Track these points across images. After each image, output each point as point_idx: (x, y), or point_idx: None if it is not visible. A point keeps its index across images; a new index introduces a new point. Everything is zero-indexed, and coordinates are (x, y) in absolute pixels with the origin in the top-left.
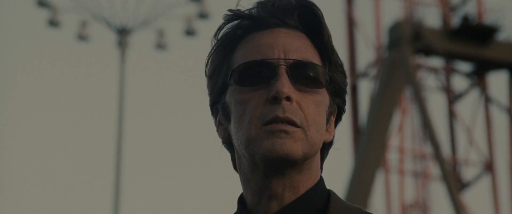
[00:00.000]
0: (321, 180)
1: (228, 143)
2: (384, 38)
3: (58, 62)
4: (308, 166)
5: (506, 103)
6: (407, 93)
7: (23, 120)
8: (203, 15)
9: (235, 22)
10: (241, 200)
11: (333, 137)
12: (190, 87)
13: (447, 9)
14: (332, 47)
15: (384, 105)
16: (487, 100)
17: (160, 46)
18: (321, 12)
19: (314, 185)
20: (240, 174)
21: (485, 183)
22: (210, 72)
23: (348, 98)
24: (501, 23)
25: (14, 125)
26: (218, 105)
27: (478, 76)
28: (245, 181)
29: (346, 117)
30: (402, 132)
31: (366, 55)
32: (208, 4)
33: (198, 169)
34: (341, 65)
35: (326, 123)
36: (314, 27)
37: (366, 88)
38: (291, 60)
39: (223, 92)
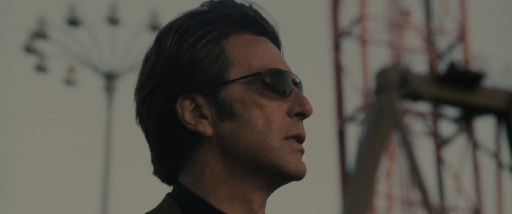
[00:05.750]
0: None
1: (200, 137)
2: (372, 84)
3: (45, 107)
4: None
5: (493, 149)
6: (394, 138)
7: (11, 163)
8: None
9: (228, 10)
10: (194, 197)
11: None
12: None
13: (434, 56)
14: None
15: (371, 150)
16: (475, 145)
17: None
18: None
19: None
20: (205, 174)
21: None
22: (202, 56)
23: (335, 143)
24: (487, 70)
25: (2, 167)
26: (200, 96)
27: (465, 121)
28: (215, 184)
29: (334, 162)
30: (390, 177)
31: (353, 100)
32: None
33: None
34: None
35: None
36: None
37: (353, 133)
38: (298, 80)
39: (219, 86)
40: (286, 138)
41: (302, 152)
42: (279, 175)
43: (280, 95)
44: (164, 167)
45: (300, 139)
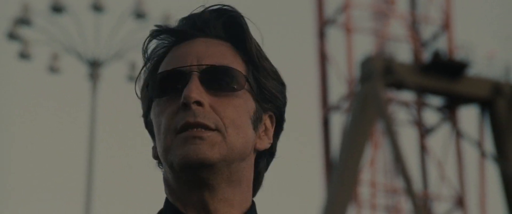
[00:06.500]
0: (253, 204)
1: (159, 160)
2: (356, 72)
3: (29, 94)
4: (237, 177)
5: (477, 138)
6: (378, 127)
7: None
8: None
9: (160, 38)
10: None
11: (272, 146)
12: None
13: (418, 45)
14: (258, 54)
15: (356, 138)
16: (458, 134)
17: (132, 78)
18: (244, 20)
19: (249, 209)
20: (166, 189)
21: None
22: (140, 92)
23: (320, 131)
24: (471, 59)
25: None
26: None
27: (449, 110)
28: (172, 195)
29: (318, 150)
30: (374, 166)
31: (338, 89)
32: None
33: None
34: (275, 72)
35: (255, 129)
36: (237, 35)
37: (338, 122)
38: (204, 66)
39: (149, 110)
40: (179, 132)
41: (197, 136)
42: (182, 172)
43: (169, 95)
44: None
45: (188, 126)
